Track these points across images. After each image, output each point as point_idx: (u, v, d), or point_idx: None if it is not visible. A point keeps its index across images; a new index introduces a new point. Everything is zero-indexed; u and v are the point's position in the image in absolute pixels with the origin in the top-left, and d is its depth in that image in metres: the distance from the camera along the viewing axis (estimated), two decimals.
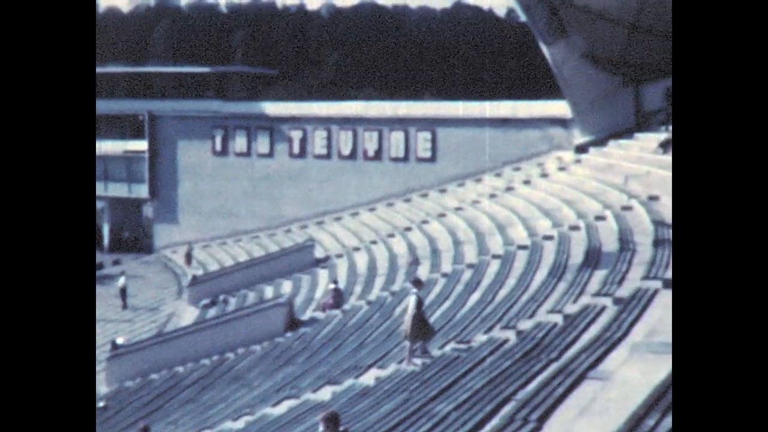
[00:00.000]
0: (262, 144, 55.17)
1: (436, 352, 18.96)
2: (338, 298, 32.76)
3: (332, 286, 33.93)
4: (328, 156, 52.60)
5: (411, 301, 19.01)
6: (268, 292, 39.78)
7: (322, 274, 40.12)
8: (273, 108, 55.81)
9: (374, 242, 41.63)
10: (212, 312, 39.02)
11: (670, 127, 35.78)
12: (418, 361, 18.53)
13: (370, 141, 50.98)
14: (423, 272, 32.14)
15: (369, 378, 19.83)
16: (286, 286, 40.10)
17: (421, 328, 18.85)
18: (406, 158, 49.79)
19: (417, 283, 20.11)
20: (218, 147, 56.65)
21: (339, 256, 42.46)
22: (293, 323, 31.37)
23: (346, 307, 31.42)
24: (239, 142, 55.93)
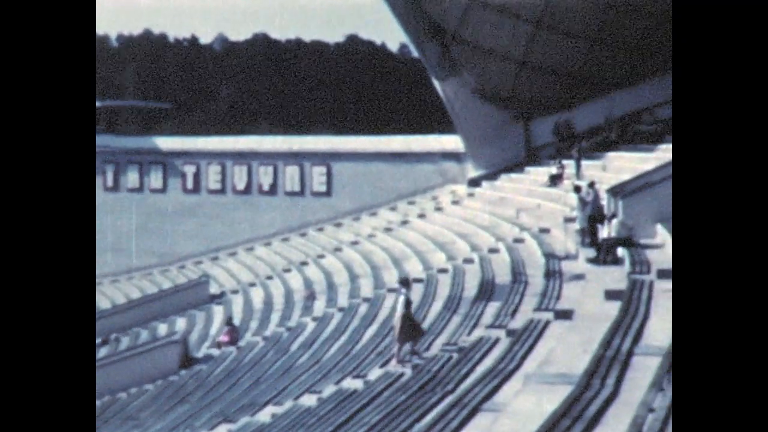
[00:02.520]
0: (155, 179, 54.45)
1: (331, 388, 18.92)
2: (233, 334, 32.42)
3: (227, 322, 33.58)
4: (222, 191, 52.20)
5: (399, 302, 18.97)
6: (162, 329, 39.10)
7: (217, 311, 39.66)
8: (166, 142, 55.18)
9: (270, 277, 41.38)
10: (104, 351, 38.13)
11: (559, 161, 36.66)
12: (407, 364, 18.26)
13: (264, 175, 50.81)
14: (319, 307, 32.09)
15: (265, 415, 19.66)
16: (180, 323, 39.48)
17: (410, 329, 18.74)
18: (301, 193, 49.75)
19: (405, 283, 20.06)
20: (109, 182, 55.68)
21: (234, 291, 42.05)
22: (188, 361, 30.89)
23: (242, 343, 31.12)
24: (131, 177, 55.09)
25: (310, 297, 34.55)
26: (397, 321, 18.74)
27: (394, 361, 18.72)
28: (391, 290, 28.92)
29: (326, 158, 49.22)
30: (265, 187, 50.76)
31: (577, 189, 25.47)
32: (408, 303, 18.97)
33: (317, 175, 49.36)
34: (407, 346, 18.81)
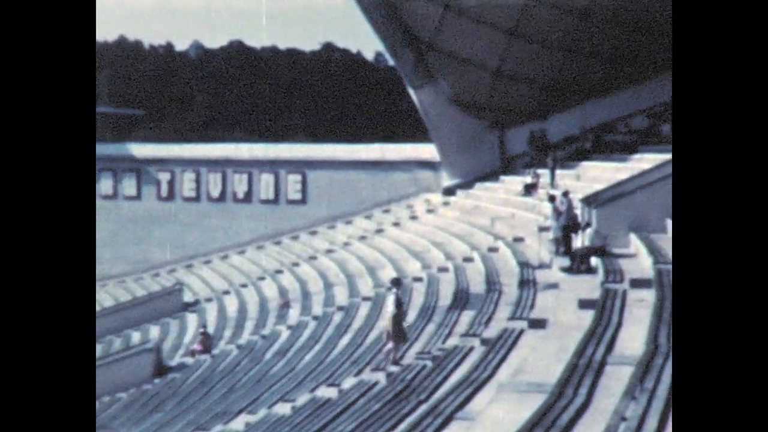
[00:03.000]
0: (129, 186, 54.16)
1: (305, 396, 18.89)
2: (207, 342, 32.29)
3: (201, 330, 33.43)
4: (196, 198, 52.00)
5: (389, 301, 18.93)
6: (135, 337, 38.88)
7: (191, 319, 39.49)
8: (140, 150, 54.92)
9: (244, 285, 41.26)
10: None
11: (534, 171, 36.81)
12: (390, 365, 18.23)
13: (239, 183, 50.67)
14: (293, 315, 32.04)
15: (238, 424, 19.59)
16: (154, 332, 39.27)
17: (400, 330, 18.72)
18: (276, 200, 49.66)
19: (396, 282, 20.03)
20: None
21: (208, 300, 41.88)
22: (161, 369, 30.73)
23: (215, 351, 30.99)
24: (105, 185, 54.75)
25: (285, 305, 34.48)
26: (388, 321, 18.74)
27: (390, 361, 18.70)
28: (365, 299, 28.92)
29: (301, 166, 49.17)
30: (240, 195, 50.62)
31: (552, 198, 25.58)
32: (399, 303, 19.00)
33: (292, 183, 49.28)
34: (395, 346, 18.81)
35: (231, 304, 38.86)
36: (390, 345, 18.88)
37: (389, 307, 18.93)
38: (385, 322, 18.94)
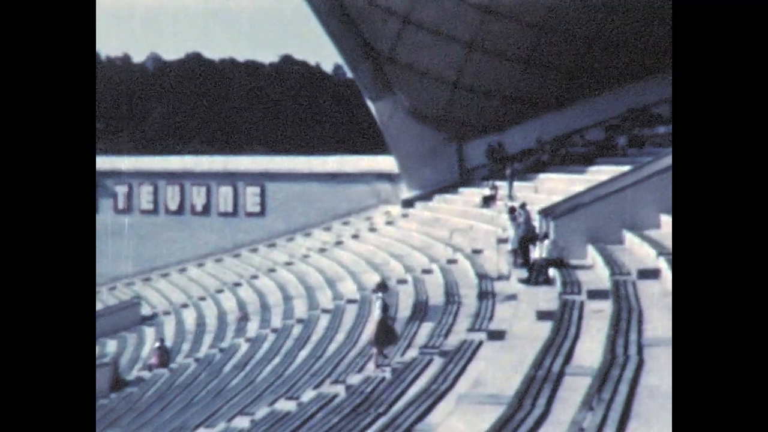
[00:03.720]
0: None
1: (264, 410, 18.79)
2: (164, 356, 32.03)
3: (158, 344, 33.17)
4: (154, 211, 51.63)
5: (376, 306, 18.88)
6: None
7: (149, 332, 39.16)
8: (97, 162, 54.41)
9: (203, 298, 41.01)
10: None
11: (492, 183, 37.01)
12: (387, 369, 18.11)
13: (197, 196, 50.40)
14: (252, 328, 31.89)
15: None
16: (111, 346, 38.90)
17: (386, 334, 18.65)
18: (234, 213, 49.45)
19: (382, 287, 19.92)
20: None
21: (166, 313, 41.57)
22: (118, 383, 30.43)
23: (174, 365, 30.75)
24: None
25: (243, 318, 34.32)
26: (374, 325, 18.74)
27: (372, 366, 18.72)
28: (325, 311, 28.85)
29: (260, 178, 49.02)
30: (198, 208, 50.35)
31: (512, 210, 25.73)
32: (385, 307, 19.12)
33: (251, 196, 49.12)
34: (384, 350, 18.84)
35: (189, 318, 38.60)
36: (374, 350, 18.93)
37: (376, 311, 19.07)
38: (372, 327, 19.01)
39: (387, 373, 17.67)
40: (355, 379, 18.23)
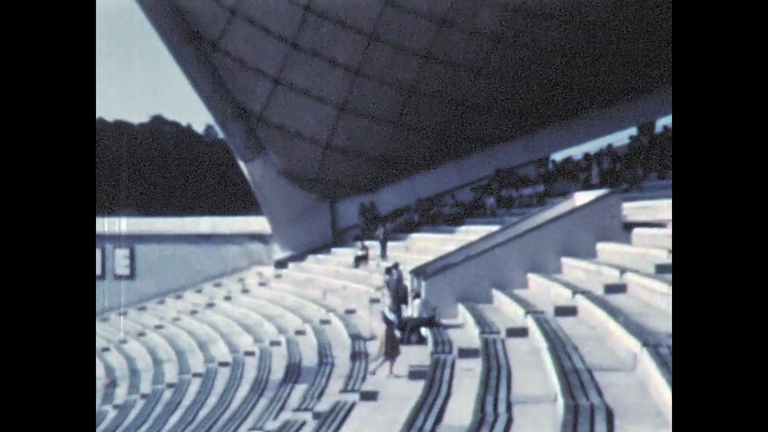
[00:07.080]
0: None
1: None
2: None
3: None
4: None
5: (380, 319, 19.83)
6: None
7: None
8: None
9: None
10: None
11: (362, 243, 37.24)
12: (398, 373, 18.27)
13: None
14: (120, 394, 31.05)
15: None
16: None
17: (392, 347, 18.84)
18: (102, 276, 48.25)
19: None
20: None
21: None
22: None
23: None
24: None
25: (111, 384, 33.42)
26: (381, 336, 19.05)
27: (384, 375, 18.63)
28: (196, 375, 28.33)
29: (130, 240, 48.10)
30: None
31: (388, 270, 25.89)
32: (389, 321, 19.92)
33: (120, 258, 48.09)
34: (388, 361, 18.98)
35: None
36: (381, 359, 19.00)
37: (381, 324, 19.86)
38: (379, 338, 19.54)
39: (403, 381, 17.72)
40: (392, 377, 18.26)
